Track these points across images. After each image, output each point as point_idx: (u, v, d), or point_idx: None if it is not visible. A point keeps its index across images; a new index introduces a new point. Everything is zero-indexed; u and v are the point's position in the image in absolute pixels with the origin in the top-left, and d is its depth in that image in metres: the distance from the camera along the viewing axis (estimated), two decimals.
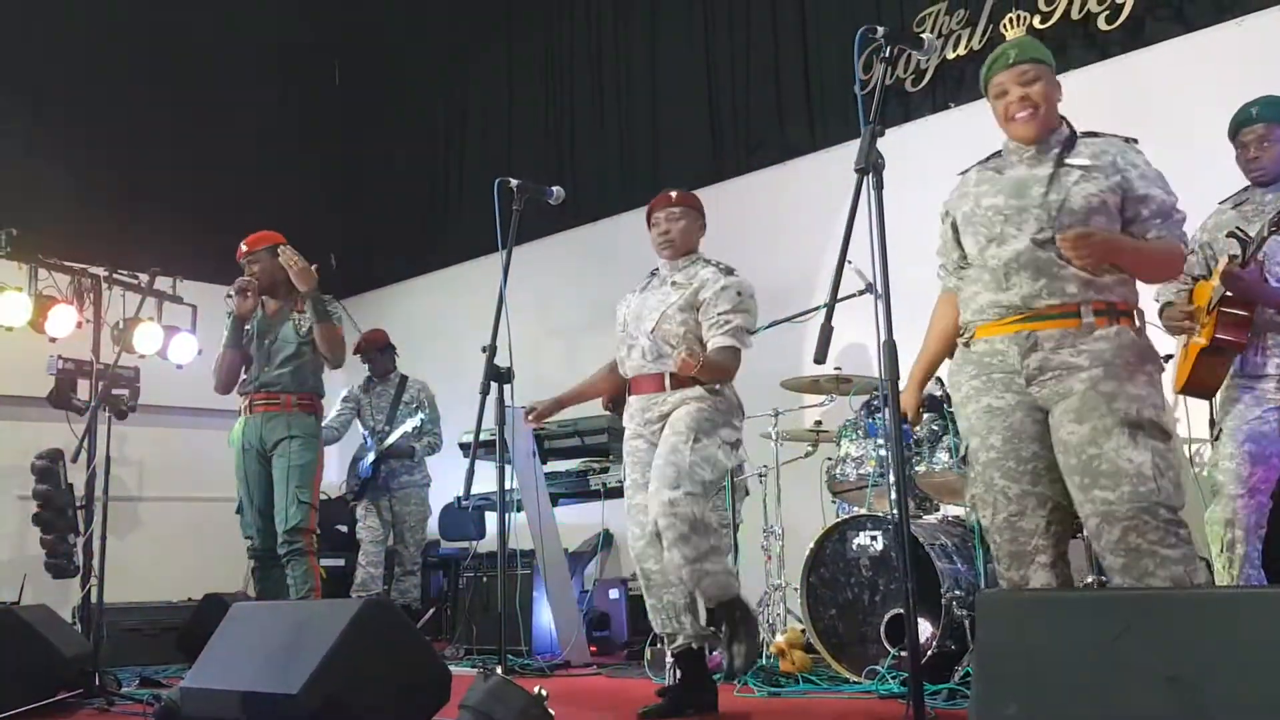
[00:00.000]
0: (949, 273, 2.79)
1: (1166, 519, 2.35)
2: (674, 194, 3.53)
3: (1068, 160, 2.55)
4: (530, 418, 3.57)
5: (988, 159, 2.74)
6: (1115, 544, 2.38)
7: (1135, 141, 2.63)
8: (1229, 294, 3.17)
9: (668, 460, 3.19)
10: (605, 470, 5.17)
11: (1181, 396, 3.54)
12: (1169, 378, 3.07)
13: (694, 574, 3.14)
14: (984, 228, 2.60)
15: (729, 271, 3.40)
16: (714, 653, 3.57)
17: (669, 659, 3.85)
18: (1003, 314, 2.55)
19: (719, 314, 3.30)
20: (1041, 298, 2.50)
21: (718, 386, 3.33)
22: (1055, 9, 5.12)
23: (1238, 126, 3.39)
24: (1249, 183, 3.41)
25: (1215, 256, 3.38)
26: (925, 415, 4.16)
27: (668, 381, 3.32)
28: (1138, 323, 2.54)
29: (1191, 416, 3.96)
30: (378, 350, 6.24)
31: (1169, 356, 3.37)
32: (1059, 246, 2.44)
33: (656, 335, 3.35)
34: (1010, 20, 5.29)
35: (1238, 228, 3.20)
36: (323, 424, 5.68)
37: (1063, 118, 2.66)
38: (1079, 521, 2.54)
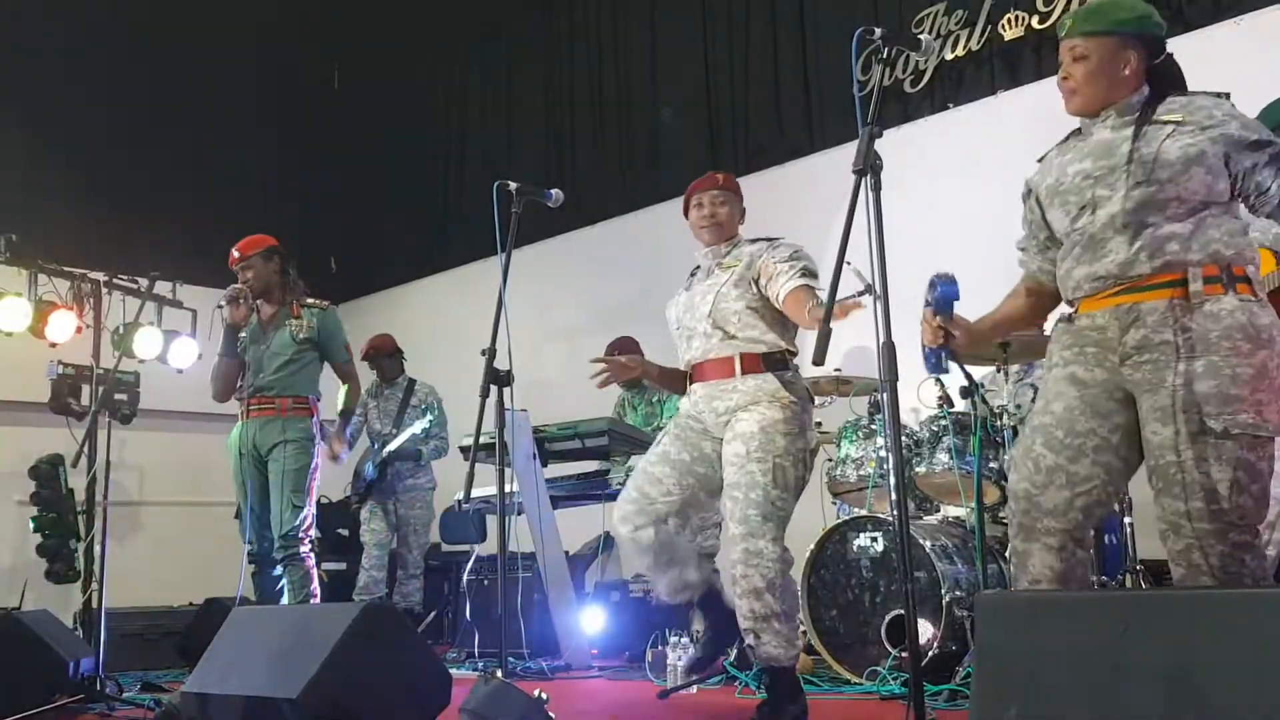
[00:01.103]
0: (1032, 255, 2.63)
1: (1235, 541, 2.20)
2: (720, 176, 3.42)
3: (1155, 117, 2.36)
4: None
5: (1066, 139, 2.58)
6: (1177, 555, 2.25)
7: (1228, 95, 2.44)
8: None
9: (748, 497, 3.03)
10: (606, 473, 5.16)
11: None
12: None
13: (755, 634, 3.04)
14: (1073, 195, 2.41)
15: (773, 239, 3.30)
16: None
17: (670, 661, 3.85)
18: (1101, 286, 2.36)
19: (780, 262, 3.15)
20: (1140, 262, 2.29)
21: (789, 375, 3.18)
22: (1054, 9, 5.12)
23: (1274, 127, 3.31)
24: None
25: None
26: (927, 415, 4.17)
27: (738, 364, 3.16)
28: (1257, 291, 2.29)
29: None
30: (385, 356, 6.25)
31: None
32: None
33: (716, 315, 3.21)
34: (1009, 20, 5.29)
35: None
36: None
37: (1160, 78, 2.44)
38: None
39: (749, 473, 3.04)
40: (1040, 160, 2.63)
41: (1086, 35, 2.44)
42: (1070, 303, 2.48)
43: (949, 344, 2.54)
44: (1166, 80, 2.44)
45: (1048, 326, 2.80)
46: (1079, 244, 2.40)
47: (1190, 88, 2.48)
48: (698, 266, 3.45)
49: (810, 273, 3.14)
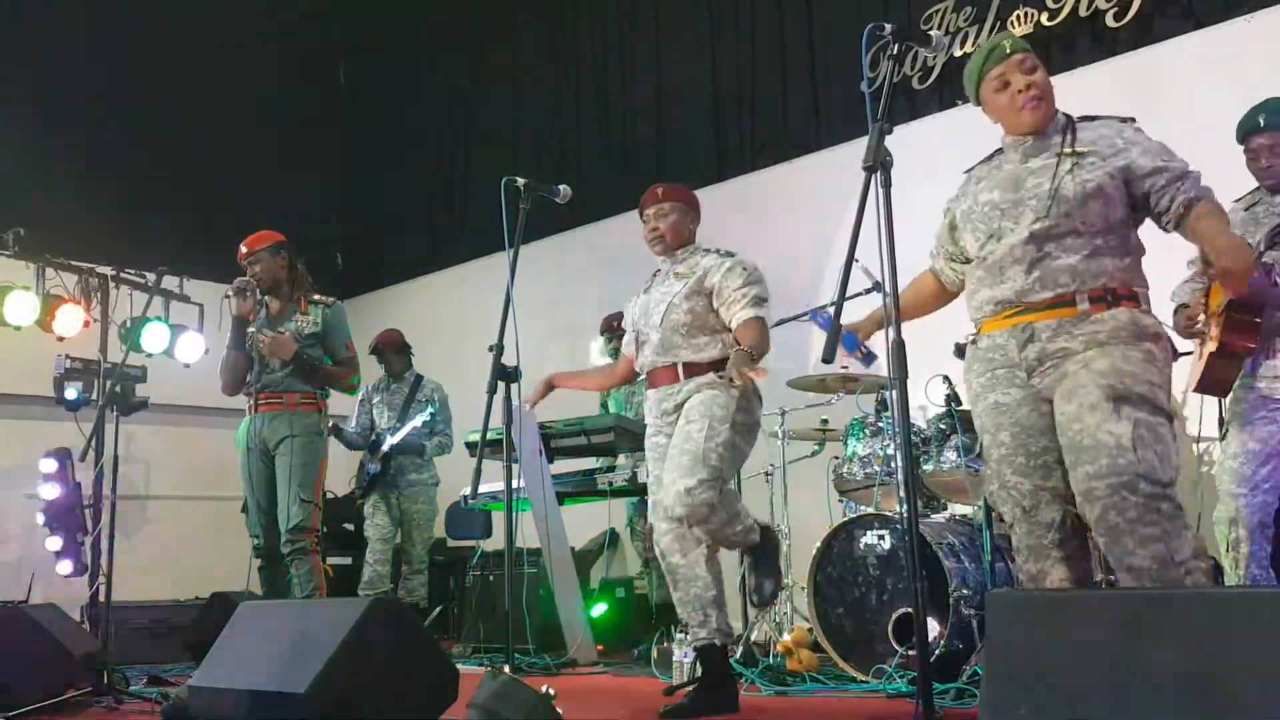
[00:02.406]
0: (938, 257, 2.85)
1: (1148, 493, 2.28)
2: (661, 189, 3.51)
3: (1064, 150, 2.51)
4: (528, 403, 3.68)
5: (990, 156, 2.73)
6: (1096, 523, 2.35)
7: (1133, 120, 2.59)
8: (1234, 300, 3.15)
9: (682, 449, 3.21)
10: (612, 469, 5.17)
11: (1196, 396, 3.53)
12: (1183, 374, 3.05)
13: (722, 540, 3.30)
14: (982, 224, 2.60)
15: (729, 254, 3.42)
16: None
17: (677, 657, 3.85)
18: (1000, 309, 2.55)
19: (734, 290, 3.31)
20: (1035, 291, 2.48)
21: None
22: (1063, 6, 5.10)
23: (1245, 134, 3.38)
24: (1258, 184, 3.40)
25: None
26: (935, 413, 4.16)
27: (681, 371, 3.34)
28: (1143, 305, 2.49)
29: (1204, 416, 3.94)
30: (394, 351, 6.25)
31: (1185, 353, 3.35)
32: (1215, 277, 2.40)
33: (665, 326, 3.36)
34: (1018, 17, 5.27)
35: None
36: (345, 431, 5.71)
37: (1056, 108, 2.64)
38: None
39: (685, 432, 3.24)
40: (967, 172, 2.79)
41: (1028, 51, 2.60)
42: (974, 323, 2.66)
43: (861, 338, 2.78)
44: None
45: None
46: (984, 268, 2.58)
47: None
48: (657, 270, 3.52)
49: (761, 300, 3.33)
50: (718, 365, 3.29)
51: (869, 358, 2.77)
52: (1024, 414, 2.52)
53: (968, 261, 2.70)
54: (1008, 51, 2.58)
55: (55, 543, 5.27)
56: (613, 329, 5.54)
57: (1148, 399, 2.37)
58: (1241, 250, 2.32)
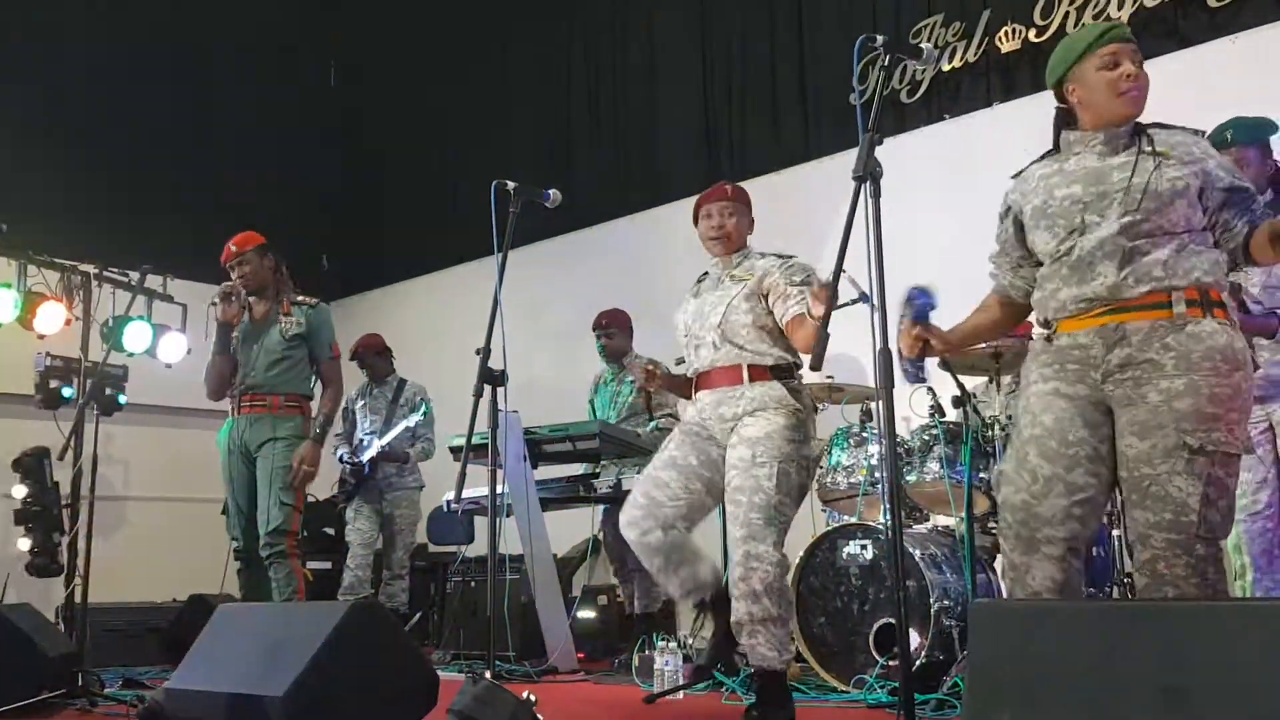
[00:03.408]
0: (1004, 270, 2.69)
1: (1201, 555, 2.25)
2: (730, 188, 3.44)
3: (1144, 149, 2.42)
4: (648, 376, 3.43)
5: (1043, 157, 2.62)
6: (1142, 565, 2.31)
7: (1203, 134, 2.53)
8: None
9: (751, 500, 3.06)
10: (596, 476, 5.16)
11: None
12: None
13: (750, 634, 3.07)
14: (1062, 219, 2.46)
15: (789, 255, 3.33)
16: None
17: (658, 665, 3.84)
18: (1087, 307, 2.42)
19: (791, 287, 3.19)
20: (1129, 286, 2.36)
21: (797, 385, 3.23)
22: (1050, 23, 5.14)
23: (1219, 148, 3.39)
24: None
25: None
26: (919, 424, 4.17)
27: (746, 373, 3.21)
28: (1232, 316, 2.39)
29: None
30: (374, 354, 6.23)
31: None
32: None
33: (725, 328, 3.25)
34: (1006, 33, 5.32)
35: None
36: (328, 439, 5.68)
37: None
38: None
39: (754, 477, 3.08)
40: (1016, 177, 2.67)
41: (1136, 45, 2.49)
42: (1047, 323, 2.54)
43: (926, 353, 2.63)
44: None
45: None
46: (1066, 265, 2.45)
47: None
48: (705, 273, 3.47)
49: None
50: (779, 371, 3.20)
51: (916, 370, 2.72)
52: (1080, 406, 2.42)
53: (1039, 264, 2.57)
54: (1126, 35, 2.49)
55: (26, 543, 5.22)
56: (601, 326, 5.54)
57: (1225, 445, 2.28)
58: None
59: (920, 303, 2.59)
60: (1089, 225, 2.41)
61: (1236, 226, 2.40)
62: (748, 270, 3.32)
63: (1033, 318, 2.65)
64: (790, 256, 3.32)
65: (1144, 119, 2.52)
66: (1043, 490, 2.40)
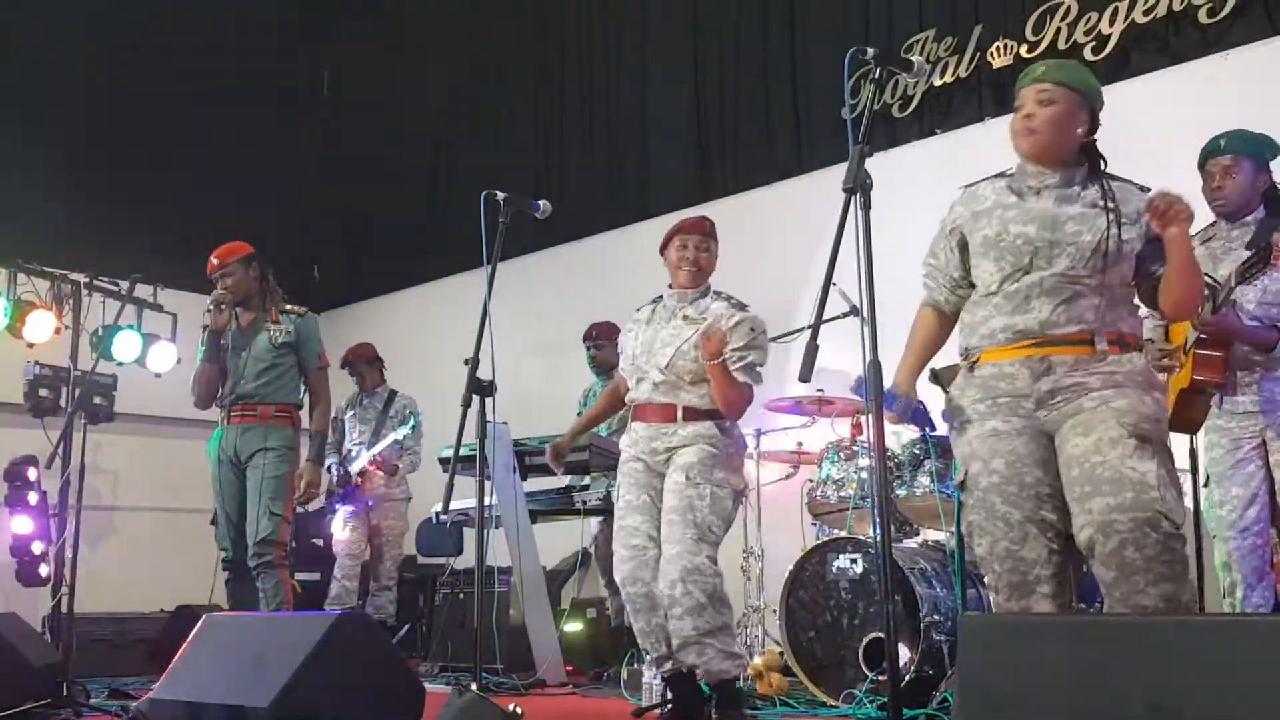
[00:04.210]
0: (940, 286, 2.74)
1: (1168, 532, 2.31)
2: (708, 223, 3.52)
3: (1098, 202, 2.51)
4: (554, 462, 3.71)
5: (998, 176, 2.67)
6: (1109, 556, 2.32)
7: (1146, 189, 2.58)
8: (1203, 336, 3.19)
9: (685, 518, 3.17)
10: (585, 488, 5.14)
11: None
12: None
13: (700, 649, 3.15)
14: (1011, 255, 2.53)
15: (742, 307, 3.39)
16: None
17: (646, 679, 3.83)
18: (1017, 338, 2.51)
19: (734, 350, 3.27)
20: (1059, 325, 2.47)
21: (727, 424, 3.33)
22: (1042, 39, 5.17)
23: (1206, 157, 3.38)
24: (1215, 217, 3.41)
25: None
26: (909, 438, 4.17)
27: (680, 413, 3.31)
28: (1146, 358, 2.57)
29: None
30: (365, 363, 6.21)
31: None
32: (1153, 206, 2.38)
33: (670, 370, 3.33)
34: (998, 49, 5.34)
35: (1206, 274, 3.18)
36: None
37: (1092, 152, 2.60)
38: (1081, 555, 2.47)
39: (687, 497, 3.19)
40: (967, 187, 2.73)
41: (1059, 84, 2.56)
42: (969, 351, 2.61)
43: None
44: (1095, 159, 2.62)
45: None
46: (1003, 295, 2.54)
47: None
48: (659, 298, 3.49)
49: (754, 368, 3.32)
50: (715, 414, 3.31)
51: (919, 416, 2.81)
52: (1021, 444, 2.49)
53: (973, 286, 2.65)
54: (1035, 76, 2.58)
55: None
56: (592, 338, 5.55)
57: (1164, 444, 2.42)
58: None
59: (917, 416, 2.81)
60: (1035, 268, 2.51)
61: (1153, 271, 2.52)
62: (700, 311, 3.39)
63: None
64: (743, 308, 3.39)
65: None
66: (1020, 535, 2.48)
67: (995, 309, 2.55)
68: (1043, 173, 2.57)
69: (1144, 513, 2.30)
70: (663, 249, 3.52)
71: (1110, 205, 2.49)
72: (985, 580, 2.65)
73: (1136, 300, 2.61)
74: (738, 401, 3.29)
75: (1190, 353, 3.21)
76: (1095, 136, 2.61)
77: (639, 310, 3.59)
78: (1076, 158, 2.58)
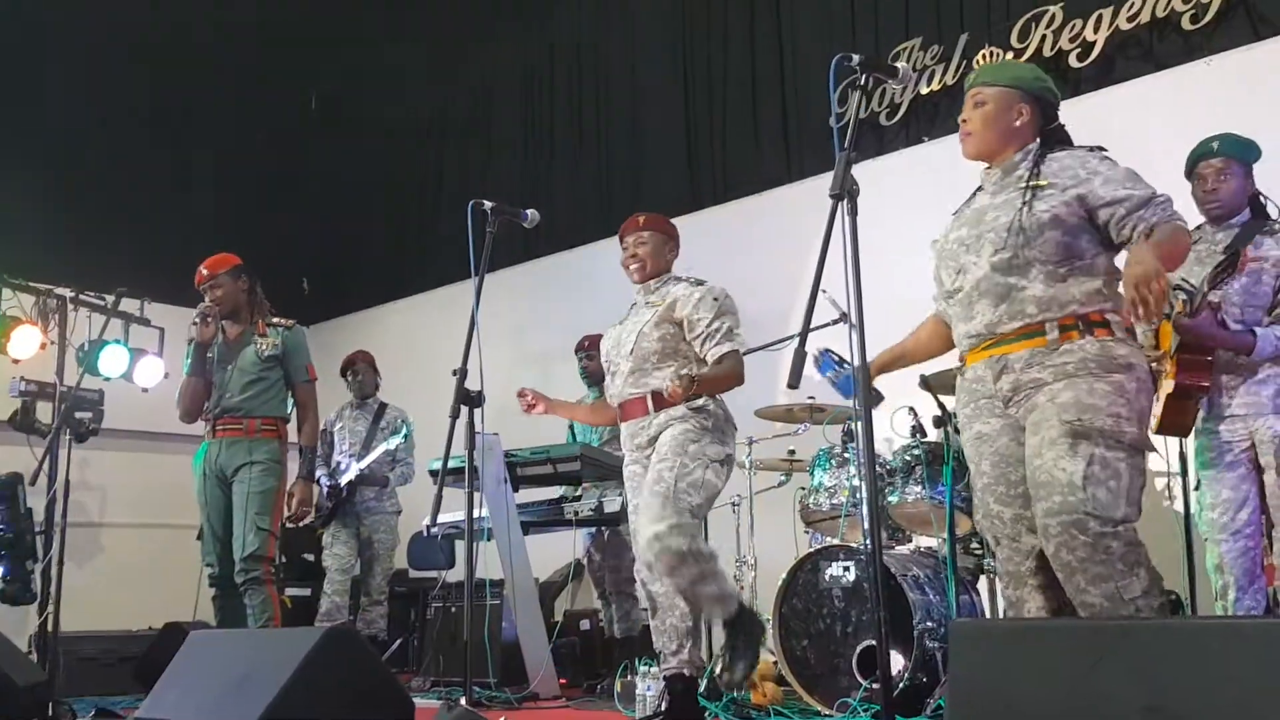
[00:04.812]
0: (938, 298, 2.83)
1: (1096, 532, 2.31)
2: (642, 218, 3.57)
3: (1029, 183, 2.54)
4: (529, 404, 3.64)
5: (972, 195, 2.75)
6: (1052, 558, 2.39)
7: (1100, 149, 2.60)
8: (1184, 342, 3.19)
9: (652, 490, 3.20)
10: (577, 499, 5.12)
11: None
12: None
13: (692, 599, 3.20)
14: (951, 260, 2.65)
15: (699, 282, 3.44)
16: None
17: (640, 691, 3.80)
18: (976, 342, 2.59)
19: (706, 325, 3.33)
20: (1003, 323, 2.52)
21: (702, 402, 3.32)
22: (1028, 46, 5.18)
23: (1196, 160, 3.39)
24: (1203, 219, 3.41)
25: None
26: (900, 444, 4.16)
27: (650, 402, 3.34)
28: (1118, 332, 2.47)
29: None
30: (367, 364, 6.18)
31: None
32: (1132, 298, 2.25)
33: (636, 355, 3.37)
34: (984, 56, 5.35)
35: (1184, 279, 3.18)
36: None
37: (1045, 137, 2.63)
38: None
39: (656, 470, 3.23)
40: (955, 214, 2.78)
41: (987, 85, 2.66)
42: (961, 358, 2.69)
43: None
44: (1055, 145, 2.64)
45: None
46: (958, 303, 2.62)
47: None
48: (635, 301, 3.54)
49: (733, 332, 3.34)
50: (689, 396, 3.28)
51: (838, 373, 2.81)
52: (1003, 444, 2.56)
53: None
54: (969, 84, 2.70)
55: None
56: (584, 348, 5.55)
57: (1109, 433, 2.37)
58: (1143, 263, 2.24)
59: (843, 383, 2.82)
60: (967, 266, 2.57)
61: (1129, 237, 2.46)
62: (661, 296, 3.45)
63: None
64: (701, 283, 3.43)
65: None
66: (1012, 532, 2.54)
67: (957, 317, 2.64)
68: (989, 171, 2.67)
69: (1070, 515, 2.33)
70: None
71: (1029, 183, 2.51)
72: (978, 550, 2.73)
73: (1102, 268, 2.51)
74: (729, 377, 3.30)
75: (1175, 357, 3.21)
76: (1056, 123, 2.67)
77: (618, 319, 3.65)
78: (1021, 148, 2.63)
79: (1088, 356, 2.44)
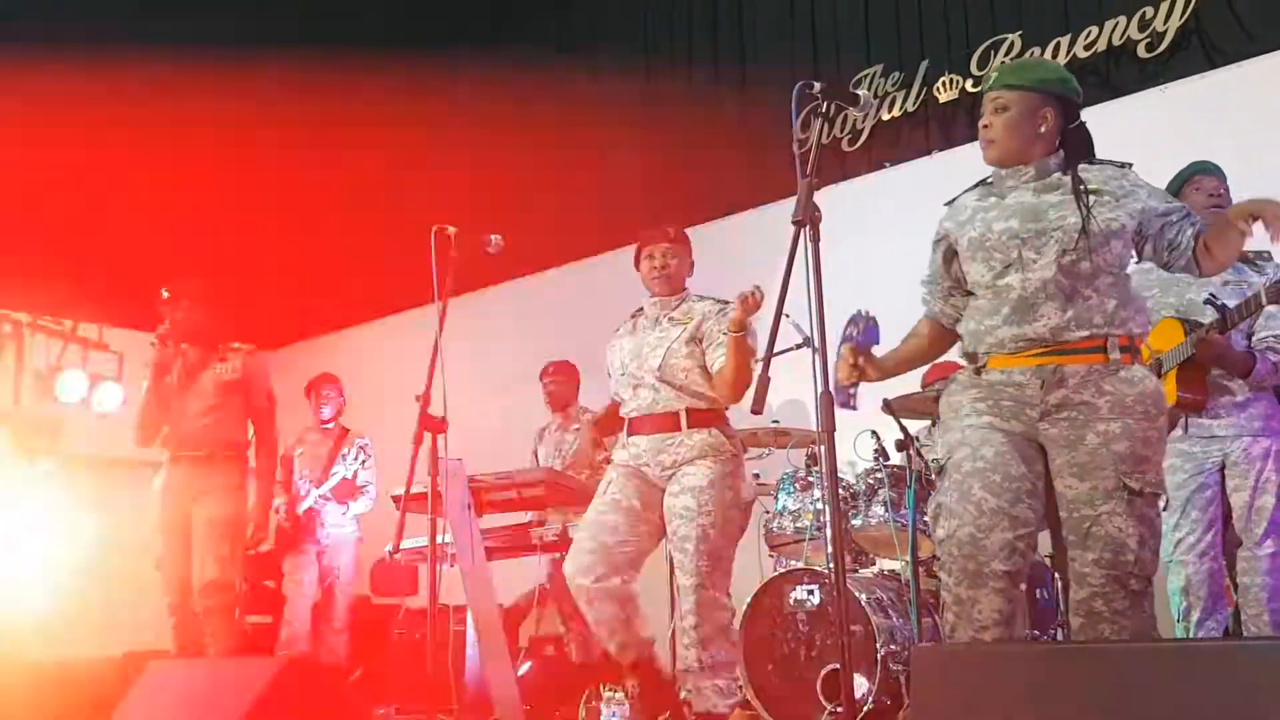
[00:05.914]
0: (935, 298, 2.75)
1: (1135, 590, 2.35)
2: (672, 230, 3.54)
3: (1080, 186, 2.47)
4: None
5: (976, 185, 2.67)
6: (1078, 604, 2.37)
7: (1130, 166, 2.58)
8: (1194, 356, 3.21)
9: (699, 549, 3.18)
10: (542, 524, 5.08)
11: None
12: None
13: (697, 680, 3.17)
14: (999, 252, 2.50)
15: (726, 302, 3.40)
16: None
17: (604, 717, 3.78)
18: (1027, 346, 2.46)
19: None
20: (1070, 330, 2.42)
21: (731, 430, 3.35)
22: (987, 74, 5.24)
23: (1194, 173, 3.41)
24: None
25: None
26: (864, 468, 4.18)
27: (684, 419, 3.30)
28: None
29: None
30: (332, 387, 6.12)
31: None
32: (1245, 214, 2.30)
33: (664, 371, 3.34)
34: (944, 83, 5.43)
35: (1211, 294, 3.20)
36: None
37: (1071, 140, 2.57)
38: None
39: (699, 526, 3.17)
40: (949, 204, 2.72)
41: (1010, 88, 2.55)
42: (975, 355, 2.57)
43: (863, 378, 2.66)
44: (1078, 145, 2.57)
45: None
46: (1008, 304, 2.48)
47: (1115, 153, 2.60)
48: (640, 310, 3.50)
49: (751, 350, 3.27)
50: (717, 415, 3.32)
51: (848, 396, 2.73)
52: (1015, 442, 2.46)
53: (969, 293, 2.63)
54: (988, 85, 2.61)
55: None
56: (549, 374, 5.60)
57: (1155, 488, 2.39)
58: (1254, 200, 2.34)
59: (868, 331, 2.65)
60: (1027, 262, 2.46)
61: (1183, 242, 2.45)
62: (686, 314, 3.42)
63: (957, 347, 2.70)
64: (727, 303, 3.37)
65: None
66: (989, 524, 2.41)
67: (1003, 318, 2.49)
68: (1017, 170, 2.56)
69: (1117, 571, 2.34)
70: (636, 264, 3.57)
71: (1083, 188, 2.45)
72: (938, 567, 2.59)
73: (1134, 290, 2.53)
74: (748, 375, 3.23)
75: (1176, 373, 3.23)
76: (1079, 120, 2.58)
77: (620, 326, 3.60)
78: (1051, 149, 2.55)
79: (1145, 393, 2.40)
